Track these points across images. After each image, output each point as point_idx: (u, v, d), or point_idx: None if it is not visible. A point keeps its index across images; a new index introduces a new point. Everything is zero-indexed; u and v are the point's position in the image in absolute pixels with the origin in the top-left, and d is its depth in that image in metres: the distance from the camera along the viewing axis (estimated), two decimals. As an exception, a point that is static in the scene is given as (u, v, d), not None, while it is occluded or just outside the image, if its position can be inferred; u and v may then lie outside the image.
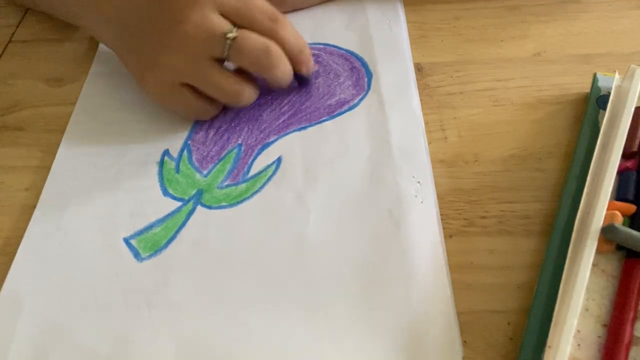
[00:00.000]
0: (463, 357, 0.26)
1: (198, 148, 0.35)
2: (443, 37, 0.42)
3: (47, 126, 0.38)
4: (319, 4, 0.45)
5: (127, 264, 0.30)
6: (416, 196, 0.31)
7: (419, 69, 0.40)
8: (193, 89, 0.34)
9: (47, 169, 0.35)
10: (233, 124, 0.36)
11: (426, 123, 0.36)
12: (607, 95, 0.34)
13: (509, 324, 0.27)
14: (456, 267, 0.29)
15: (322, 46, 0.41)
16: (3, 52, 0.44)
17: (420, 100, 0.37)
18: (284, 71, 0.34)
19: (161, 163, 0.34)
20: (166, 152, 0.35)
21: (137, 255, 0.30)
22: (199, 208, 0.32)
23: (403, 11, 0.44)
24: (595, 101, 0.35)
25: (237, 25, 0.32)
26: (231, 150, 0.35)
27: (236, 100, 0.35)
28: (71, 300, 0.28)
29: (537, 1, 0.44)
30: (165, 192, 0.33)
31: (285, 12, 0.39)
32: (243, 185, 0.33)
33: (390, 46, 0.41)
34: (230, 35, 0.31)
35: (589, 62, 0.39)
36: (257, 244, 0.30)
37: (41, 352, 0.27)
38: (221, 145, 0.35)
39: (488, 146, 0.34)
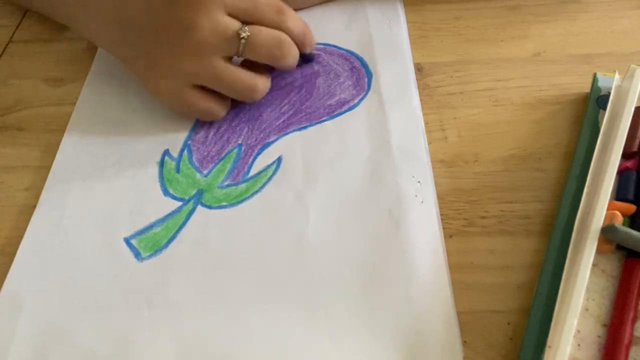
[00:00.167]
0: (463, 357, 0.26)
1: (198, 148, 0.35)
2: (443, 37, 0.42)
3: (47, 126, 0.38)
4: (319, 4, 0.45)
5: (127, 264, 0.30)
6: (416, 196, 0.31)
7: (419, 69, 0.40)
8: (205, 90, 0.34)
9: (47, 169, 0.35)
10: (233, 124, 0.36)
11: (426, 123, 0.36)
12: (607, 95, 0.34)
13: (509, 324, 0.27)
14: (456, 267, 0.29)
15: (322, 46, 0.41)
16: (3, 52, 0.44)
17: (420, 100, 0.37)
18: (294, 58, 0.36)
19: (161, 163, 0.34)
20: (166, 152, 0.35)
21: (137, 255, 0.30)
22: (199, 208, 0.32)
23: (403, 11, 0.44)
24: (595, 101, 0.35)
25: (244, 21, 0.33)
26: (231, 150, 0.35)
27: (252, 95, 0.35)
28: (71, 300, 0.28)
29: (537, 1, 0.44)
30: (166, 192, 0.33)
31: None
32: (243, 185, 0.33)
33: (390, 46, 0.41)
34: (243, 34, 0.32)
35: (589, 62, 0.39)
36: (258, 244, 0.30)
37: (41, 353, 0.27)
38: (221, 145, 0.35)
39: (488, 146, 0.34)
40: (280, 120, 0.36)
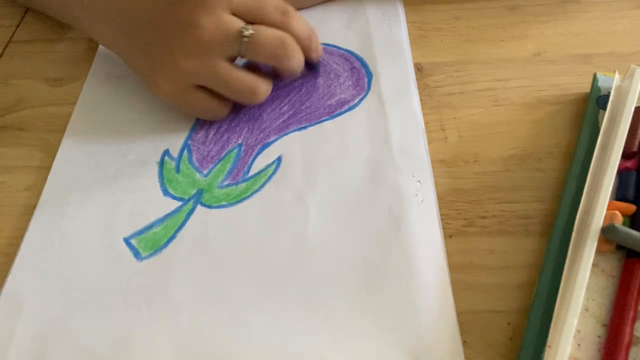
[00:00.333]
0: (464, 356, 0.25)
1: (198, 148, 0.35)
2: (443, 37, 0.42)
3: (47, 126, 0.38)
4: (319, 4, 0.45)
5: (127, 264, 0.30)
6: (416, 195, 0.31)
7: (419, 69, 0.40)
8: (206, 90, 0.34)
9: (48, 169, 0.35)
10: (233, 124, 0.36)
11: (426, 123, 0.36)
12: (607, 95, 0.34)
13: (509, 324, 0.27)
14: (456, 267, 0.29)
15: (322, 46, 0.41)
16: (3, 52, 0.44)
17: (420, 100, 0.37)
18: (298, 60, 0.35)
19: (161, 163, 0.34)
20: (166, 152, 0.35)
21: (137, 254, 0.30)
22: (199, 207, 0.32)
23: (403, 11, 0.44)
24: (595, 101, 0.35)
25: (249, 21, 0.32)
26: (231, 150, 0.35)
27: (252, 97, 0.35)
28: (71, 300, 0.28)
29: (537, 1, 0.44)
30: (166, 192, 0.33)
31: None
32: (243, 185, 0.33)
33: (390, 46, 0.41)
34: (246, 33, 0.32)
35: (589, 62, 0.39)
36: (257, 243, 0.30)
37: (41, 352, 0.27)
38: (221, 145, 0.35)
39: (488, 146, 0.34)
40: (280, 120, 0.36)
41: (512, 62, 0.39)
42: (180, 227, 0.31)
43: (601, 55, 0.39)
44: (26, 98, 0.40)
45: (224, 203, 0.32)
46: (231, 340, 0.27)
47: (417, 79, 0.38)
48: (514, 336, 0.26)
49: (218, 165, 0.34)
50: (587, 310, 0.26)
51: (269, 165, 0.34)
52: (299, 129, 0.36)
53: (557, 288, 0.26)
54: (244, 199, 0.32)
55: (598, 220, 0.27)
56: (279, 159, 0.34)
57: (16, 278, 0.29)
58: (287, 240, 0.30)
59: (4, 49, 0.44)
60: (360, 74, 0.39)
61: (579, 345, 0.24)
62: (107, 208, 0.32)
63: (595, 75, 0.36)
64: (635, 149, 0.31)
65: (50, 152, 0.36)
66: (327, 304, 0.27)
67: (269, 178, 0.33)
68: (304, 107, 0.37)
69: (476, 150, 0.34)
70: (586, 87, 0.36)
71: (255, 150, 0.35)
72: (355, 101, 0.37)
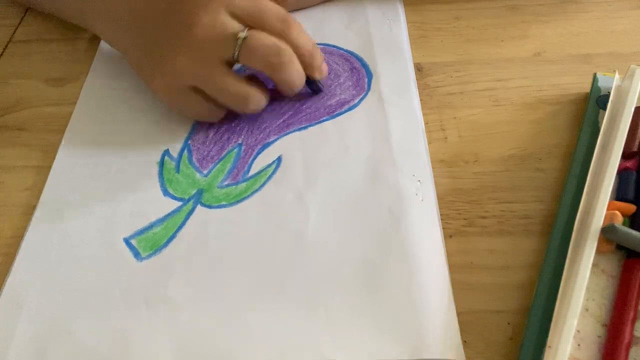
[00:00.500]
0: (464, 355, 0.25)
1: (198, 148, 0.35)
2: (443, 37, 0.42)
3: (47, 126, 0.38)
4: (319, 4, 0.45)
5: (126, 264, 0.30)
6: (417, 194, 0.31)
7: (419, 69, 0.40)
8: (202, 92, 0.34)
9: (48, 169, 0.35)
10: (233, 124, 0.36)
11: (426, 123, 0.36)
12: (607, 95, 0.34)
13: (509, 324, 0.27)
14: (456, 267, 0.29)
15: (322, 46, 0.41)
16: (3, 52, 0.44)
17: (420, 100, 0.37)
18: (295, 72, 0.34)
19: (161, 163, 0.34)
20: (166, 152, 0.35)
21: (137, 254, 0.30)
22: (199, 207, 0.32)
23: (403, 11, 0.44)
24: (595, 101, 0.35)
25: (247, 26, 0.32)
26: (231, 150, 0.35)
27: (243, 106, 0.34)
28: (71, 299, 0.28)
29: (537, 1, 0.44)
30: (166, 192, 0.33)
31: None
32: (243, 185, 0.33)
33: (390, 46, 0.41)
34: (240, 35, 0.31)
35: (589, 62, 0.39)
36: (257, 243, 0.30)
37: (41, 351, 0.27)
38: (221, 145, 0.35)
39: (488, 146, 0.34)
40: (281, 120, 0.36)
41: (512, 62, 0.39)
42: (180, 227, 0.31)
43: (601, 55, 0.39)
44: (26, 98, 0.40)
45: (223, 203, 0.32)
46: (231, 340, 0.27)
47: (417, 79, 0.38)
48: (514, 336, 0.26)
49: (218, 165, 0.34)
50: (587, 310, 0.26)
51: (269, 165, 0.34)
52: (299, 129, 0.36)
53: (557, 288, 0.26)
54: (244, 198, 0.32)
55: (598, 220, 0.27)
56: (279, 159, 0.34)
57: (16, 278, 0.29)
58: (287, 239, 0.30)
59: (4, 49, 0.44)
60: (360, 74, 0.39)
61: (579, 345, 0.24)
62: (107, 208, 0.32)
63: (595, 75, 0.36)
64: (635, 149, 0.31)
65: (50, 152, 0.36)
66: (327, 303, 0.27)
67: (269, 178, 0.33)
68: (304, 107, 0.37)
69: (476, 150, 0.34)
70: (586, 87, 0.36)
71: (256, 150, 0.35)
72: (356, 101, 0.37)
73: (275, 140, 0.35)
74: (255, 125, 0.36)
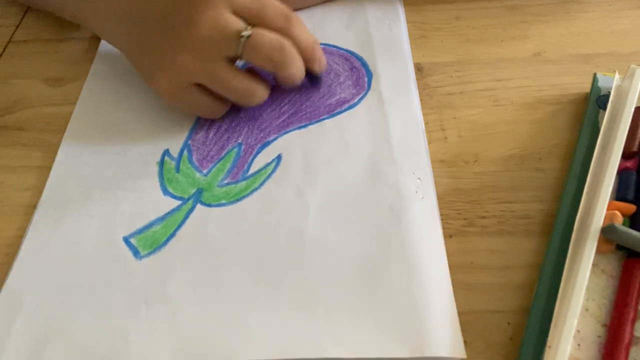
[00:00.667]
0: (465, 354, 0.25)
1: (198, 148, 0.35)
2: (443, 37, 0.42)
3: (47, 126, 0.38)
4: (319, 4, 0.45)
5: (126, 262, 0.30)
6: (417, 192, 0.31)
7: (419, 69, 0.40)
8: (204, 89, 0.34)
9: (48, 168, 0.35)
10: (233, 124, 0.36)
11: (426, 123, 0.36)
12: (607, 95, 0.34)
13: (509, 324, 0.27)
14: (456, 267, 0.29)
15: (322, 46, 0.41)
16: (3, 52, 0.44)
17: (420, 100, 0.37)
18: (297, 68, 0.34)
19: (161, 163, 0.34)
20: (166, 152, 0.35)
21: (136, 253, 0.30)
22: (199, 206, 0.32)
23: (403, 11, 0.44)
24: (595, 101, 0.35)
25: (250, 23, 0.32)
26: (231, 150, 0.35)
27: (248, 100, 0.35)
28: (70, 298, 0.28)
29: (537, 1, 0.44)
30: (165, 192, 0.33)
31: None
32: (243, 183, 0.33)
33: (390, 46, 0.41)
34: (244, 33, 0.32)
35: (589, 62, 0.39)
36: (257, 241, 0.30)
37: (41, 351, 0.27)
38: (221, 144, 0.35)
39: (488, 146, 0.34)
40: (280, 120, 0.36)
41: (512, 62, 0.39)
42: (179, 226, 0.31)
43: (601, 55, 0.39)
44: (26, 98, 0.40)
45: (223, 201, 0.32)
46: (231, 339, 0.27)
47: (417, 79, 0.38)
48: (514, 336, 0.26)
49: (218, 165, 0.34)
50: (587, 310, 0.26)
51: (268, 164, 0.34)
52: (299, 128, 0.36)
53: (557, 288, 0.26)
54: (244, 197, 0.32)
55: (598, 220, 0.27)
56: (278, 158, 0.34)
57: (16, 278, 0.29)
58: (286, 238, 0.30)
59: (4, 49, 0.44)
60: (360, 73, 0.39)
61: (579, 345, 0.24)
62: (107, 208, 0.32)
63: (595, 75, 0.36)
64: (635, 149, 0.31)
65: (50, 152, 0.36)
66: (327, 302, 0.27)
67: (269, 176, 0.33)
68: (304, 106, 0.37)
69: (476, 150, 0.34)
70: (586, 87, 0.36)
71: (255, 149, 0.35)
72: (355, 100, 0.37)
73: (275, 139, 0.35)
74: (255, 124, 0.36)
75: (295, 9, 0.44)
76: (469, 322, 0.27)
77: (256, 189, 0.33)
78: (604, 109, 0.34)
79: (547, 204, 0.31)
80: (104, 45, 0.43)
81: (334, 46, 0.41)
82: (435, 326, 0.26)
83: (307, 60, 0.35)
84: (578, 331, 0.25)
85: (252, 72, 0.35)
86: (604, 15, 0.42)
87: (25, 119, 0.39)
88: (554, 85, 0.37)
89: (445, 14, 0.44)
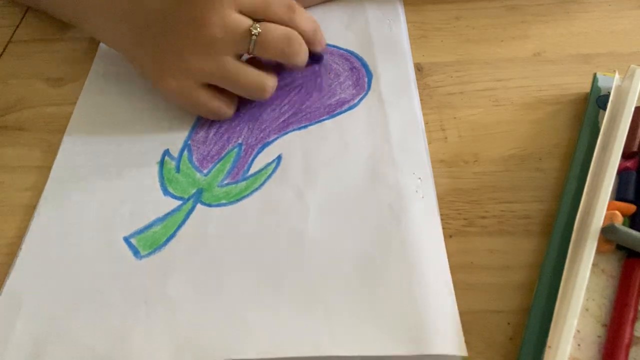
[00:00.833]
0: (466, 353, 0.25)
1: (198, 148, 0.35)
2: (443, 37, 0.42)
3: (47, 126, 0.38)
4: (319, 4, 0.45)
5: (126, 262, 0.30)
6: (417, 191, 0.31)
7: (419, 69, 0.40)
8: (213, 89, 0.34)
9: (48, 169, 0.35)
10: (233, 124, 0.36)
11: (426, 123, 0.36)
12: (607, 95, 0.34)
13: (509, 324, 0.27)
14: (456, 267, 0.29)
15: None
16: (3, 52, 0.44)
17: (420, 100, 0.37)
18: (304, 54, 0.35)
19: (161, 163, 0.34)
20: (166, 152, 0.35)
21: (136, 253, 0.30)
22: (199, 206, 0.32)
23: (403, 11, 0.44)
24: (595, 101, 0.35)
25: (256, 19, 0.33)
26: (231, 150, 0.35)
27: (261, 94, 0.35)
28: (71, 299, 0.28)
29: (537, 1, 0.44)
30: (166, 192, 0.33)
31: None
32: (243, 183, 0.33)
33: (390, 46, 0.41)
34: (254, 31, 0.32)
35: (589, 62, 0.39)
36: (257, 241, 0.30)
37: (41, 351, 0.27)
38: (221, 145, 0.35)
39: (488, 146, 0.34)
40: (281, 120, 0.36)
41: (512, 62, 0.39)
42: (179, 226, 0.31)
43: (601, 55, 0.39)
44: (26, 98, 0.40)
45: (223, 201, 0.32)
46: (230, 338, 0.27)
47: (417, 79, 0.38)
48: (514, 336, 0.26)
49: (218, 165, 0.34)
50: (587, 310, 0.26)
51: (269, 164, 0.34)
52: (299, 128, 0.36)
53: (557, 288, 0.26)
54: (244, 197, 0.32)
55: (598, 220, 0.27)
56: (279, 158, 0.34)
57: (16, 278, 0.29)
58: (286, 237, 0.30)
59: (4, 49, 0.44)
60: (360, 73, 0.39)
61: (579, 345, 0.24)
62: (107, 208, 0.32)
63: (595, 75, 0.36)
64: (635, 149, 0.31)
65: (50, 152, 0.36)
66: (327, 301, 0.27)
67: (269, 176, 0.33)
68: (304, 106, 0.37)
69: (476, 150, 0.34)
70: (586, 87, 0.36)
71: (256, 150, 0.35)
72: (355, 101, 0.37)
73: (275, 139, 0.35)
74: (256, 125, 0.36)
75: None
76: (469, 322, 0.27)
77: (256, 189, 0.33)
78: (604, 109, 0.34)
79: (547, 204, 0.31)
80: (104, 45, 0.43)
81: (334, 46, 0.41)
82: (436, 324, 0.26)
83: (310, 44, 0.36)
84: (578, 331, 0.25)
85: (258, 63, 0.35)
86: (604, 15, 0.42)
87: (25, 119, 0.39)
88: (554, 85, 0.37)
89: (445, 14, 0.44)
